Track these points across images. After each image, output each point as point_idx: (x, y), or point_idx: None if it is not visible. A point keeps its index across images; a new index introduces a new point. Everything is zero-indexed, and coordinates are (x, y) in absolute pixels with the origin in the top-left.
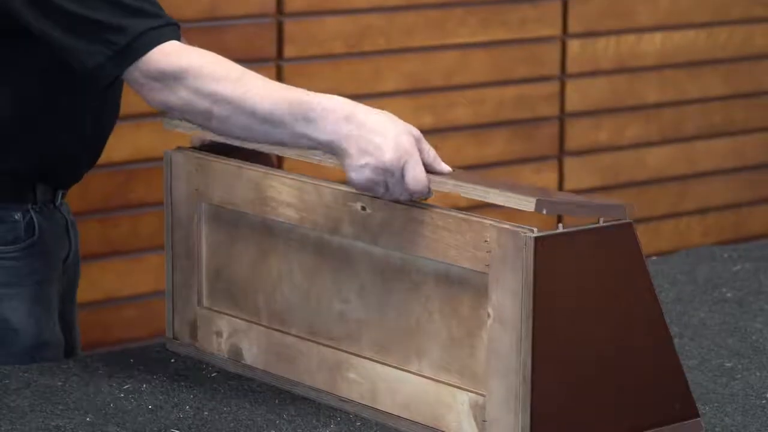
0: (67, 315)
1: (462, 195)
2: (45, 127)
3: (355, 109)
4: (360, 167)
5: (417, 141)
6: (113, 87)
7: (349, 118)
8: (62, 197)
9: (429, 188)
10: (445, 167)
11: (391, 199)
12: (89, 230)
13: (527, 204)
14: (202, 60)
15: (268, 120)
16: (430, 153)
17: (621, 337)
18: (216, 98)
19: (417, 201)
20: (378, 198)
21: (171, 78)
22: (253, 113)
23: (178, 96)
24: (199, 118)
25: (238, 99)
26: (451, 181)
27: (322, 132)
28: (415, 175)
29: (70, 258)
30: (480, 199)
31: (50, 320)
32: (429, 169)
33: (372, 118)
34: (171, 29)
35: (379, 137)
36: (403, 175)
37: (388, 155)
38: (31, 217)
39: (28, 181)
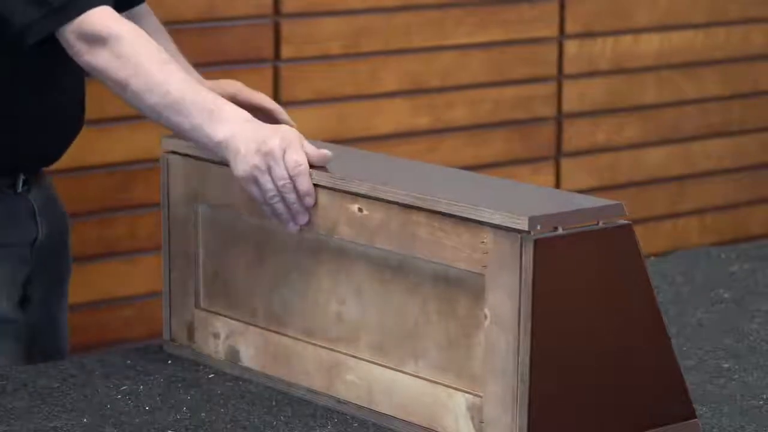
0: (47, 300)
1: (455, 214)
2: None
3: (254, 118)
4: (247, 155)
5: (300, 137)
6: (69, 72)
7: (248, 120)
8: (24, 183)
9: (309, 178)
10: (325, 152)
11: (275, 194)
12: (87, 231)
13: (520, 222)
14: (136, 33)
15: (176, 107)
16: (311, 147)
17: (619, 338)
18: (137, 71)
19: (303, 202)
20: (375, 199)
21: (99, 40)
22: (165, 96)
23: (101, 58)
24: (116, 86)
25: (156, 78)
26: (444, 200)
27: (220, 131)
28: (296, 159)
29: (38, 242)
30: (473, 217)
31: None
32: (312, 160)
33: (266, 125)
34: None
35: (268, 132)
36: (284, 158)
37: (271, 142)
38: None
39: None
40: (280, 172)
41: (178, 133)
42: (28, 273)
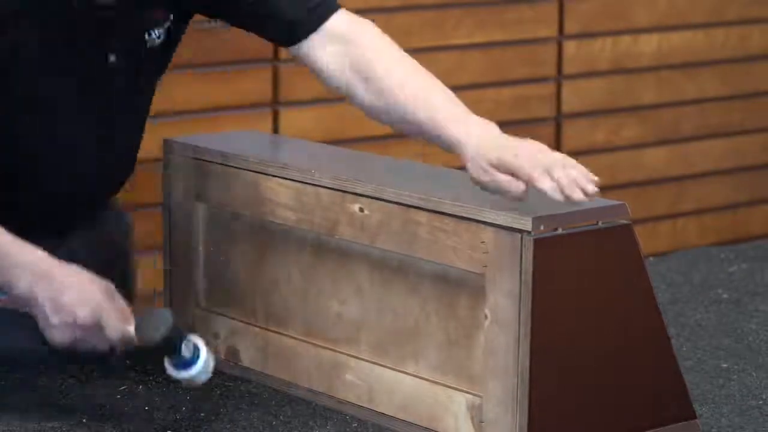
0: None
1: (457, 214)
2: None
3: (51, 269)
4: (58, 327)
5: (108, 291)
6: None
7: (43, 275)
8: None
9: (132, 336)
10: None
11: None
12: None
13: (523, 222)
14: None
15: None
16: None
17: (619, 338)
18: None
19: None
20: (376, 199)
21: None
22: None
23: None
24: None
25: None
26: (447, 200)
27: (16, 286)
28: (114, 326)
29: None
30: (475, 217)
31: None
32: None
33: (64, 278)
34: None
35: (68, 295)
36: (102, 329)
37: (81, 312)
38: None
39: None
40: (101, 342)
41: None
42: None
